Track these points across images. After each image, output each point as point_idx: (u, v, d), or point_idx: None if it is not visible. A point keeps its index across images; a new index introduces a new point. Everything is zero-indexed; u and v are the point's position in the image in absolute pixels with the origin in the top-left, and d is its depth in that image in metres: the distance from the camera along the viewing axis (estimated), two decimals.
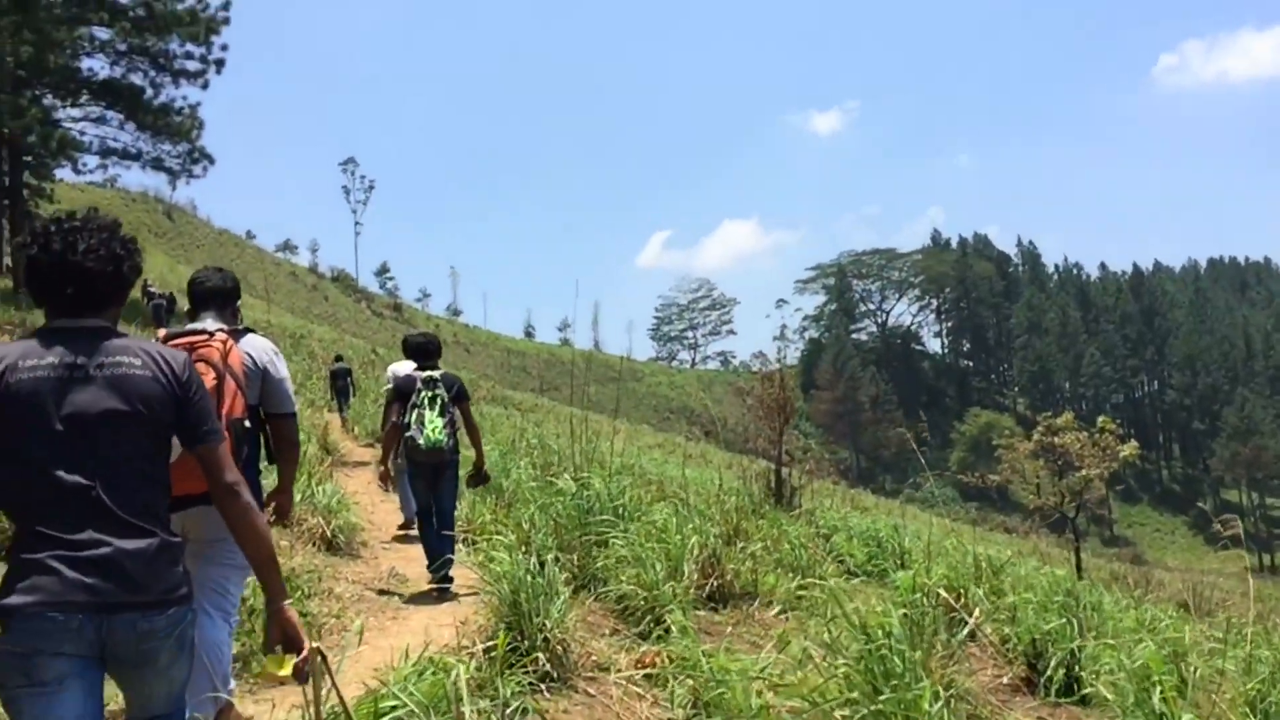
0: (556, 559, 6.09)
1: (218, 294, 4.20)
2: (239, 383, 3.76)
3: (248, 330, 4.24)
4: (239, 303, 4.35)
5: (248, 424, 3.83)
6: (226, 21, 34.00)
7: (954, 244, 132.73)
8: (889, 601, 5.99)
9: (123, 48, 33.47)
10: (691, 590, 6.38)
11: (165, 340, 3.56)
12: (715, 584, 6.90)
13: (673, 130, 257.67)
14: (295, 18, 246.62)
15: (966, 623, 5.81)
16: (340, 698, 2.29)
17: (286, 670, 2.69)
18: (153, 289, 39.82)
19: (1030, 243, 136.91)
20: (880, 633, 4.13)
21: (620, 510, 7.19)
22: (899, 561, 10.88)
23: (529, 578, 4.89)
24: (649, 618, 5.92)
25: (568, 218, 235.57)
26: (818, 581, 6.52)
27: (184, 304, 3.18)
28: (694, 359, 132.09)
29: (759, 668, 4.41)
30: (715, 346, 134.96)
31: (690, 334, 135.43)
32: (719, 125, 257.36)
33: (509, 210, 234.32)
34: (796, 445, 13.90)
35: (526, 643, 4.65)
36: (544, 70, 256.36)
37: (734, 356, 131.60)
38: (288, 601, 2.73)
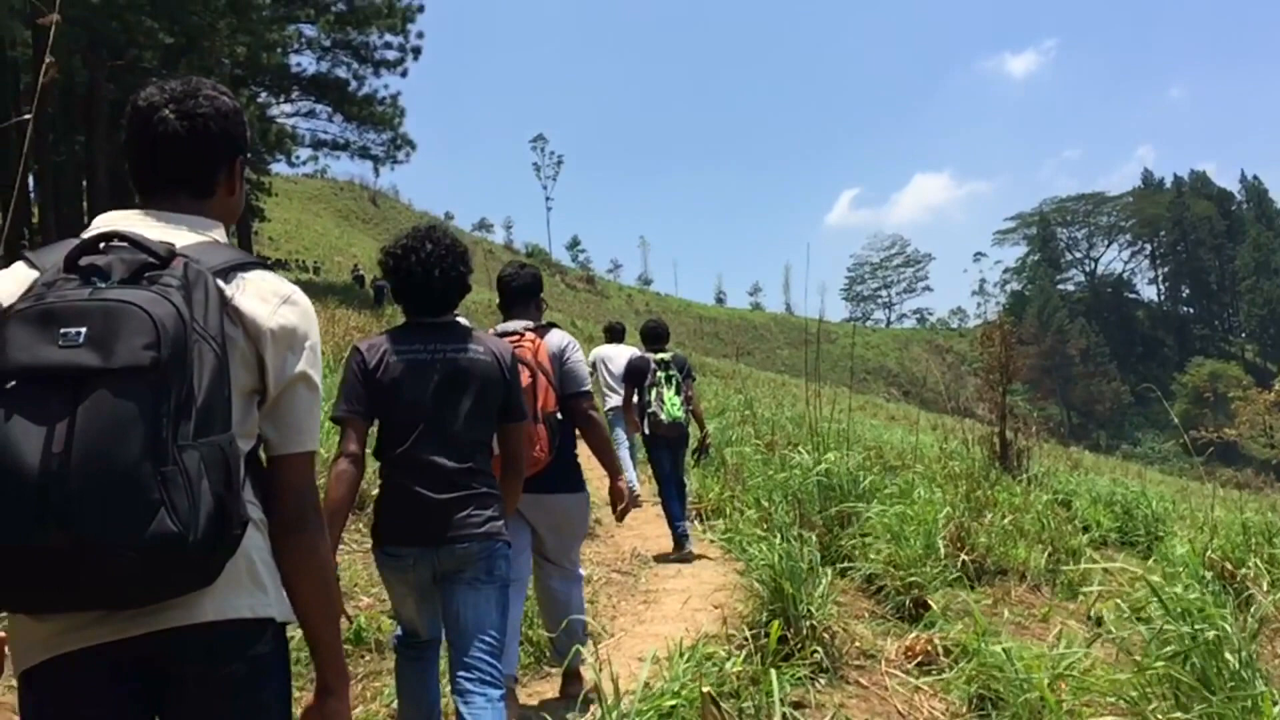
0: (800, 536, 5.86)
1: (525, 290, 4.42)
2: (550, 379, 4.06)
3: (551, 325, 4.38)
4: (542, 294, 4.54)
5: (559, 416, 4.12)
6: (421, 9, 35.12)
7: (1168, 184, 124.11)
8: (1168, 577, 5.49)
9: (327, 43, 34.99)
10: (949, 569, 6.02)
11: None
12: (966, 559, 6.53)
13: (858, 83, 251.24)
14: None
15: (1254, 599, 5.27)
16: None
17: None
18: (360, 272, 41.80)
19: (1255, 178, 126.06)
20: (1200, 619, 3.69)
21: (861, 485, 6.89)
22: (1152, 529, 10.16)
23: (790, 562, 4.67)
24: (906, 598, 5.62)
25: (754, 180, 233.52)
26: (1119, 565, 5.97)
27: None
28: (889, 318, 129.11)
29: (1059, 659, 4.03)
30: (910, 304, 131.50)
31: (884, 292, 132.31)
32: (906, 75, 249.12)
33: (695, 177, 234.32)
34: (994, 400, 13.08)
35: (792, 630, 4.44)
36: (724, 31, 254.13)
37: (930, 314, 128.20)
38: None
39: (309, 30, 34.49)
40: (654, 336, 8.10)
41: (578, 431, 4.32)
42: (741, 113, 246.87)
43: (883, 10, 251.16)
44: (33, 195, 25.25)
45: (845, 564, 6.17)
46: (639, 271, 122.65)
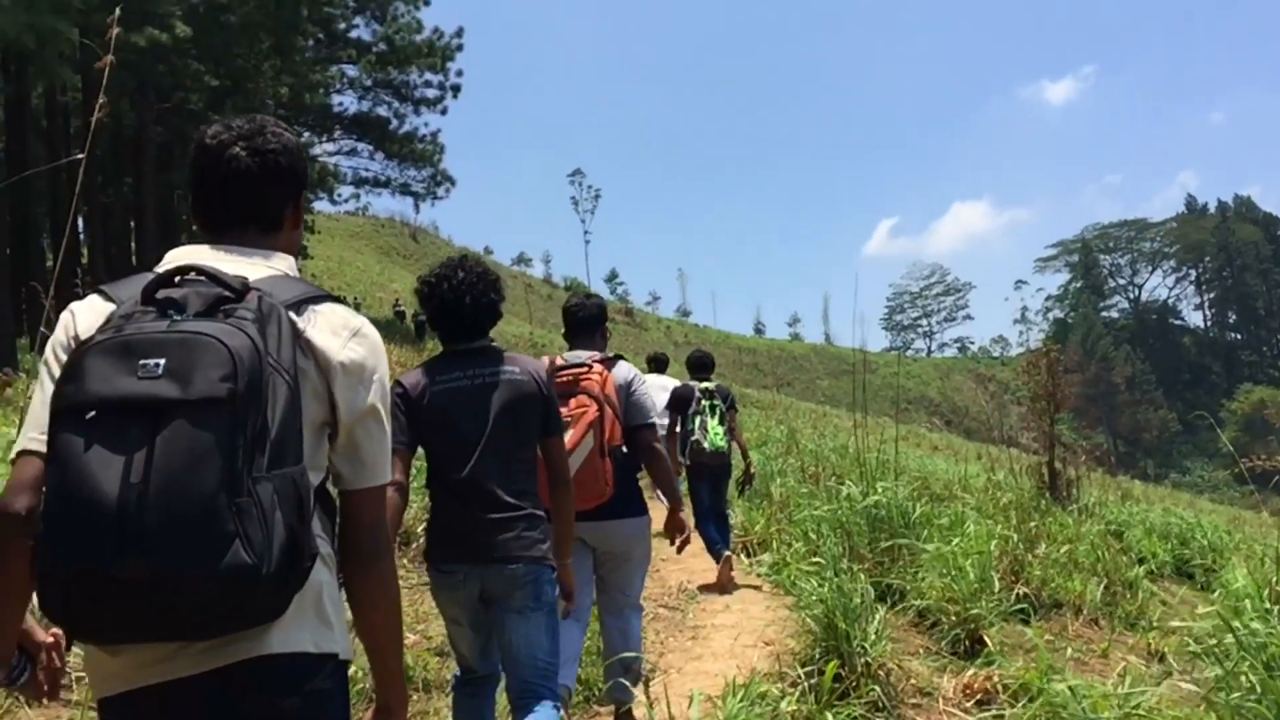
0: (850, 570, 5.76)
1: (591, 321, 4.47)
2: (616, 411, 4.05)
3: (619, 357, 4.38)
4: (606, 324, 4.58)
5: (624, 449, 4.14)
6: (460, 49, 35.52)
7: (1212, 209, 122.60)
8: (1232, 611, 5.32)
9: (368, 83, 35.53)
10: (1004, 603, 5.89)
11: (553, 372, 3.96)
12: (1020, 592, 6.40)
13: (894, 114, 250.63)
14: (518, 37, 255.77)
15: None
16: None
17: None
18: (401, 308, 42.10)
19: None
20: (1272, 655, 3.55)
21: (910, 517, 6.78)
22: (1208, 560, 9.92)
23: (842, 599, 4.57)
24: (961, 633, 5.50)
25: (791, 212, 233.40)
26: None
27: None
28: (929, 347, 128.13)
29: (1126, 699, 3.89)
30: (951, 333, 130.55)
31: (924, 321, 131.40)
32: (943, 105, 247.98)
33: (733, 209, 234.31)
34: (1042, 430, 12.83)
35: (846, 668, 4.34)
36: (759, 63, 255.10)
37: (972, 342, 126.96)
38: (568, 562, 3.42)
39: (351, 70, 35.09)
40: (699, 365, 8.18)
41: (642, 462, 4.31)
42: (778, 144, 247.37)
43: (917, 40, 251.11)
44: (82, 236, 25.69)
45: (897, 597, 6.06)
46: (677, 303, 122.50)
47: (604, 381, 4.04)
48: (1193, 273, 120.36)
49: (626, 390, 4.20)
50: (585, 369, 4.06)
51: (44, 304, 4.73)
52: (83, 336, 1.62)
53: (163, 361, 1.49)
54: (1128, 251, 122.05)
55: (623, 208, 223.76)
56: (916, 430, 54.97)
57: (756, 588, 7.17)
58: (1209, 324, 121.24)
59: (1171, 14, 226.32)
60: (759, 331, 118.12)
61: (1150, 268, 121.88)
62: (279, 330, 1.61)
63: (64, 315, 1.73)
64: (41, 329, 4.82)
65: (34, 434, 1.62)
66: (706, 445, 7.50)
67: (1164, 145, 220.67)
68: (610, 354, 4.37)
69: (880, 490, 6.97)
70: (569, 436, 3.77)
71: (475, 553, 3.17)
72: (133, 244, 28.63)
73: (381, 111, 36.45)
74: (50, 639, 1.81)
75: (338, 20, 33.02)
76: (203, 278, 1.64)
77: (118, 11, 4.04)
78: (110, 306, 1.67)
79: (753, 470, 8.52)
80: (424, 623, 5.14)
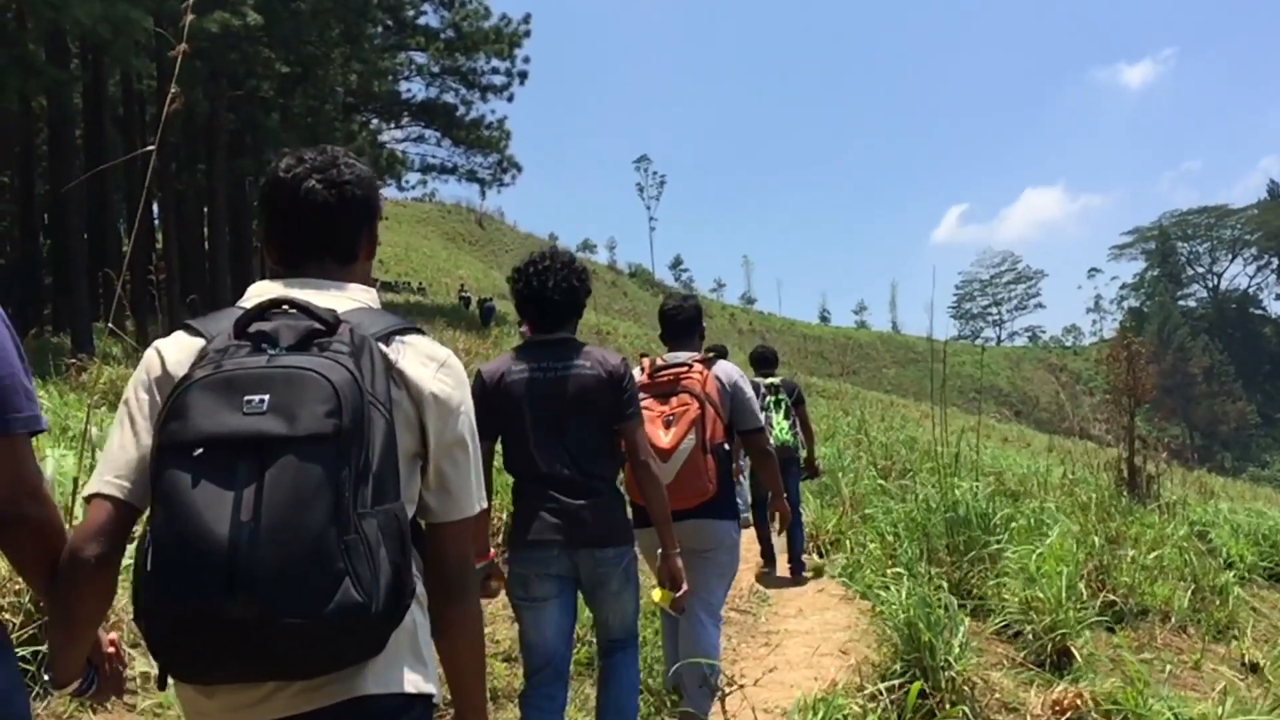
0: (929, 575, 5.54)
1: (690, 323, 4.52)
2: (717, 410, 4.11)
3: (718, 358, 4.44)
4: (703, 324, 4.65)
5: (726, 446, 4.17)
6: (528, 34, 35.63)
7: None
8: None
9: (436, 69, 35.83)
10: (1090, 611, 5.62)
11: (653, 373, 4.18)
12: (1111, 598, 6.13)
13: (964, 98, 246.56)
14: (585, 23, 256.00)
15: None
16: None
17: (667, 602, 3.55)
18: (466, 294, 42.38)
19: None
20: None
21: (990, 520, 6.51)
22: None
23: (926, 610, 4.36)
24: (1047, 643, 5.25)
25: (859, 198, 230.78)
26: None
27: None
28: (999, 336, 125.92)
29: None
30: (1022, 322, 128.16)
31: (994, 310, 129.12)
32: (1014, 88, 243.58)
33: (799, 195, 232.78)
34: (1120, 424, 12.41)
35: (930, 684, 4.14)
36: (829, 47, 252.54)
37: (1043, 331, 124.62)
38: (675, 551, 3.52)
39: (419, 57, 35.47)
40: (763, 361, 8.21)
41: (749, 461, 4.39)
42: (846, 129, 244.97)
43: (990, 23, 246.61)
44: (156, 222, 26.15)
45: (977, 604, 5.82)
46: (742, 290, 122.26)
47: (704, 380, 4.13)
48: (1274, 261, 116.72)
49: (731, 393, 4.25)
50: (686, 368, 4.16)
51: (116, 288, 4.74)
52: (173, 374, 1.62)
53: (267, 398, 1.47)
54: (1207, 239, 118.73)
55: (688, 194, 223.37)
56: (986, 421, 54.03)
57: (819, 573, 7.15)
58: None
59: None
60: (824, 319, 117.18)
61: (1230, 256, 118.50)
62: (372, 363, 1.60)
63: (149, 354, 1.72)
64: (110, 324, 4.83)
65: (109, 476, 1.60)
66: (772, 440, 7.29)
67: (1246, 130, 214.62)
68: (709, 355, 4.41)
69: (959, 491, 6.72)
70: (672, 434, 3.94)
71: (566, 536, 3.27)
72: (205, 229, 29.16)
73: (449, 98, 36.85)
74: (111, 648, 1.83)
75: (406, 7, 33.28)
76: (293, 310, 1.63)
77: None
78: (198, 342, 1.66)
79: (817, 462, 8.36)
80: (490, 625, 5.04)
